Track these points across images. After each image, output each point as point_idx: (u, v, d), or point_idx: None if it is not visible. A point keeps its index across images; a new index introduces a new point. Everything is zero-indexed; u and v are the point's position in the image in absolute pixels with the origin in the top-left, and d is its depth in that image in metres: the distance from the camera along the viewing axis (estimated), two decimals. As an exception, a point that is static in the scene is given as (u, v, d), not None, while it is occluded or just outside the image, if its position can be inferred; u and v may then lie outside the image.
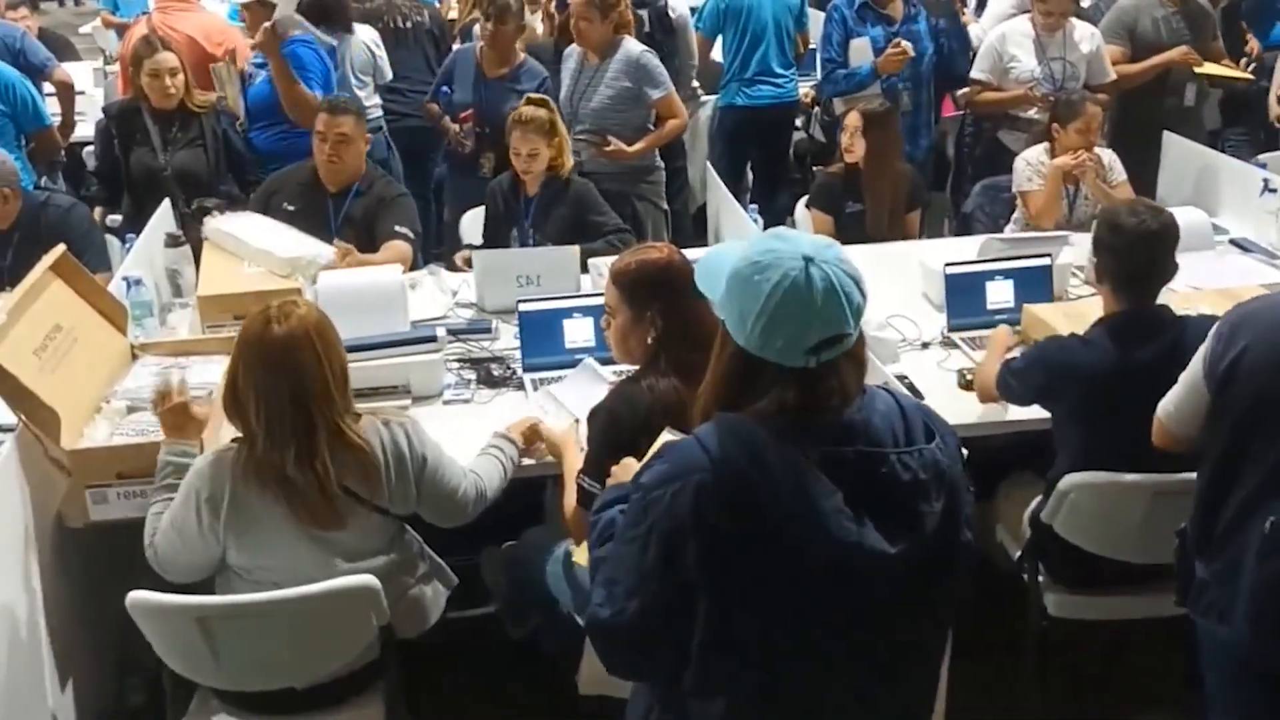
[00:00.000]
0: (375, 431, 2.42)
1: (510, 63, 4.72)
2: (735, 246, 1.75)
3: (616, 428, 2.41)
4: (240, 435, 2.38)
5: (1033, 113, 4.74)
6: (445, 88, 4.83)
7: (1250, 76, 5.28)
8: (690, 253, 2.57)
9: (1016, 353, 3.02)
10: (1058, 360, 2.77)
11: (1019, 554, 2.93)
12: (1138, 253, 2.70)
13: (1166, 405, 2.46)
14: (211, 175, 4.31)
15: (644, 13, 5.15)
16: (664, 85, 4.62)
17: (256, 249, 3.58)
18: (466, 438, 2.95)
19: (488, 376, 3.26)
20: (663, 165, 4.79)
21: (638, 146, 4.61)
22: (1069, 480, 2.69)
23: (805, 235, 1.72)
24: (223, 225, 3.71)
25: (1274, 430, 2.20)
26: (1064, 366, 2.74)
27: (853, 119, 4.24)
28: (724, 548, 1.61)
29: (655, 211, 4.78)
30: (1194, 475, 2.42)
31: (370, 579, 2.35)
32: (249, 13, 4.98)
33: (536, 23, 6.18)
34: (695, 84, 5.49)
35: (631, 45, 4.63)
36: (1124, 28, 4.98)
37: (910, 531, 1.63)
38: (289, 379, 2.30)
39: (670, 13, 5.16)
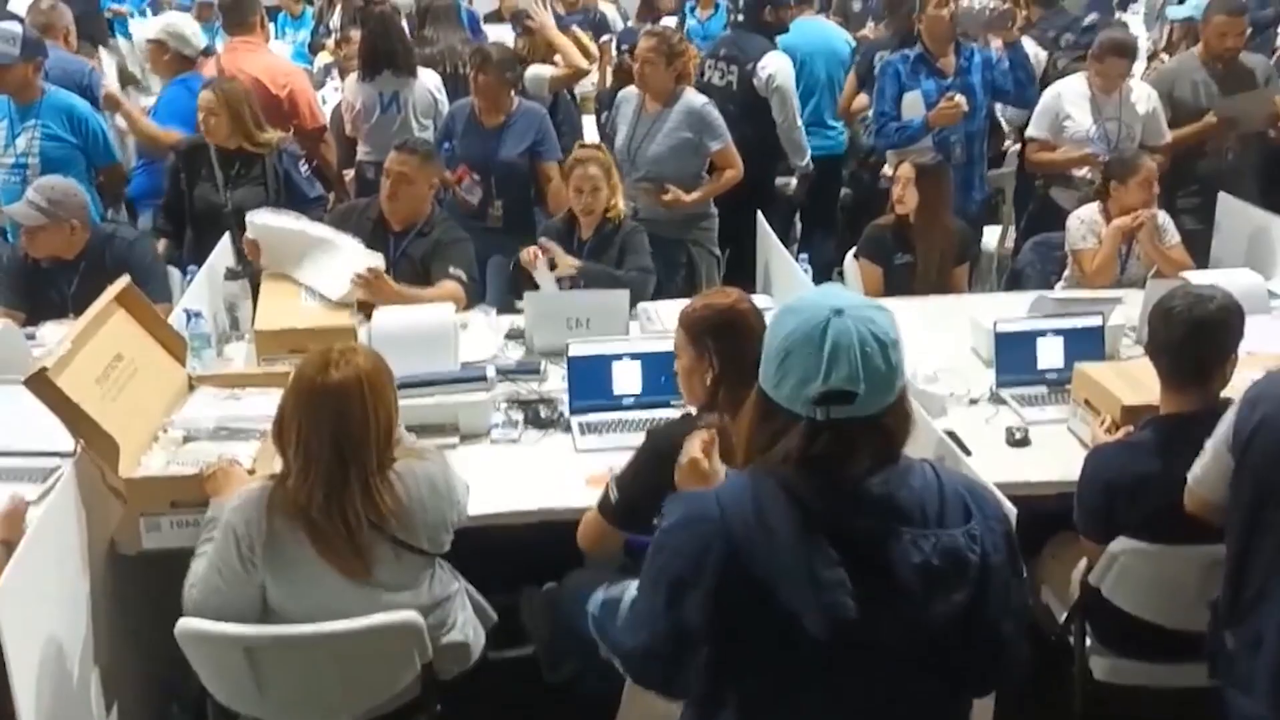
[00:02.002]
0: (410, 472, 2.44)
1: (505, 110, 4.78)
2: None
3: (658, 458, 2.45)
4: (278, 471, 2.42)
5: (1085, 172, 4.73)
6: (446, 143, 4.85)
7: None
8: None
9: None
10: (1104, 477, 2.64)
11: (1065, 615, 2.89)
12: (1193, 345, 2.56)
13: (1195, 471, 2.43)
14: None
15: (733, 76, 5.20)
16: (723, 137, 4.67)
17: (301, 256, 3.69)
18: (513, 477, 2.98)
19: (535, 417, 3.28)
20: (716, 212, 4.83)
21: (696, 195, 4.66)
22: (1119, 544, 2.65)
23: (852, 293, 1.72)
24: (265, 222, 3.79)
25: None
26: (1112, 482, 2.62)
27: (905, 170, 4.25)
28: (723, 602, 1.60)
29: (709, 257, 4.82)
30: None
31: (414, 615, 2.37)
32: (151, 49, 5.15)
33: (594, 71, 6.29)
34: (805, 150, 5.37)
35: (694, 96, 4.69)
36: (1163, 93, 4.95)
37: (915, 619, 1.58)
38: (332, 425, 2.33)
39: (756, 79, 5.13)
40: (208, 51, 5.43)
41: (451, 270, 3.95)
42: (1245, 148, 5.11)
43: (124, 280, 3.08)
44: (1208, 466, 2.40)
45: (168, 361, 3.13)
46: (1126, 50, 4.76)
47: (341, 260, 3.73)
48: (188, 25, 5.26)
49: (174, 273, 4.19)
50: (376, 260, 3.75)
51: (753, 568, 1.58)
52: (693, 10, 8.35)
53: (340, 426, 2.34)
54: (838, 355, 1.56)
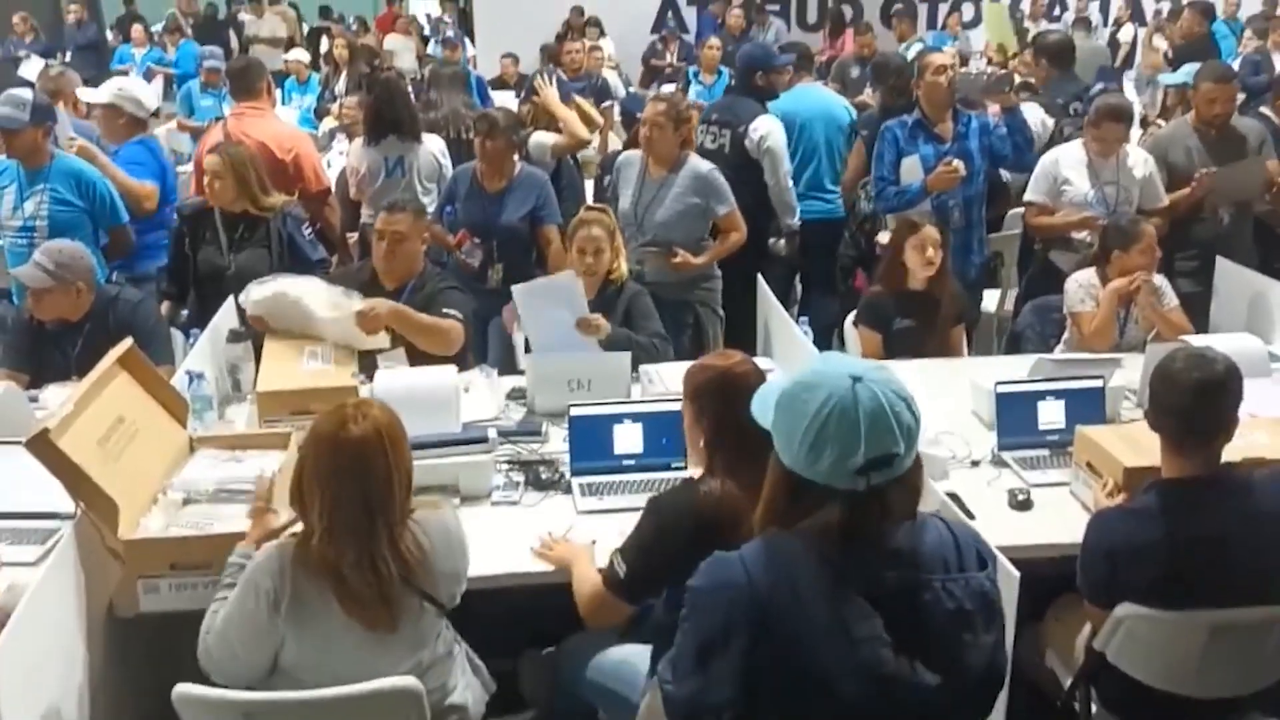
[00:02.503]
0: (428, 521, 2.46)
1: (508, 175, 4.84)
2: (786, 377, 1.78)
3: (661, 527, 2.49)
4: (300, 529, 2.41)
5: (1084, 235, 4.77)
6: (449, 207, 4.92)
7: None
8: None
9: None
10: (1106, 543, 2.60)
11: (1071, 680, 2.86)
12: (1195, 408, 2.53)
13: None
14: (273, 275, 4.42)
15: (725, 139, 5.28)
16: (729, 201, 4.74)
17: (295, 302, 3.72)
18: (512, 539, 2.97)
19: (536, 479, 3.28)
20: (719, 274, 4.87)
21: (704, 259, 4.72)
22: (1124, 609, 2.62)
23: (853, 358, 1.76)
24: (261, 292, 3.82)
25: None
26: (1116, 549, 2.58)
27: (931, 234, 4.26)
28: (754, 667, 1.61)
29: (714, 317, 4.86)
30: (1254, 610, 2.36)
31: (413, 681, 2.34)
32: (105, 113, 5.21)
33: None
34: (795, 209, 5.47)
35: (699, 162, 4.76)
36: (1158, 157, 5.00)
37: (953, 663, 1.62)
38: (357, 481, 2.33)
39: (747, 141, 5.24)
40: (217, 117, 5.52)
41: (446, 311, 3.97)
42: (1241, 213, 5.16)
43: (127, 342, 3.10)
44: None
45: (169, 423, 3.13)
46: (1122, 115, 4.82)
47: (344, 309, 3.77)
48: (139, 88, 5.40)
49: (176, 335, 4.21)
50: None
51: (782, 630, 1.61)
52: (696, 76, 8.51)
53: (366, 481, 2.34)
54: (875, 422, 1.60)
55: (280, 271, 4.11)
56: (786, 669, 1.61)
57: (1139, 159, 4.88)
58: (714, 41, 9.12)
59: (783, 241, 5.51)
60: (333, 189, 5.45)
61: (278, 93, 8.87)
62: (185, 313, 4.55)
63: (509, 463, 3.36)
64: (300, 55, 10.68)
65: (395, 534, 2.37)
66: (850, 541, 1.63)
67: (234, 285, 4.18)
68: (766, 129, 5.23)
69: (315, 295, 3.79)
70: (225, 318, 4.04)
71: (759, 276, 4.57)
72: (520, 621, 3.05)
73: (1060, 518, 3.07)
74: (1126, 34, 11.24)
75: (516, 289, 3.98)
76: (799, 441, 1.63)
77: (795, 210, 5.38)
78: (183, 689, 2.31)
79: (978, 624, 1.64)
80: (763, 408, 1.78)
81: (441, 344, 3.85)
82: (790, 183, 5.34)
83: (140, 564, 2.67)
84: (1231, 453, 2.65)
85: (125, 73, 11.39)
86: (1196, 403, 2.55)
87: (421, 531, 2.43)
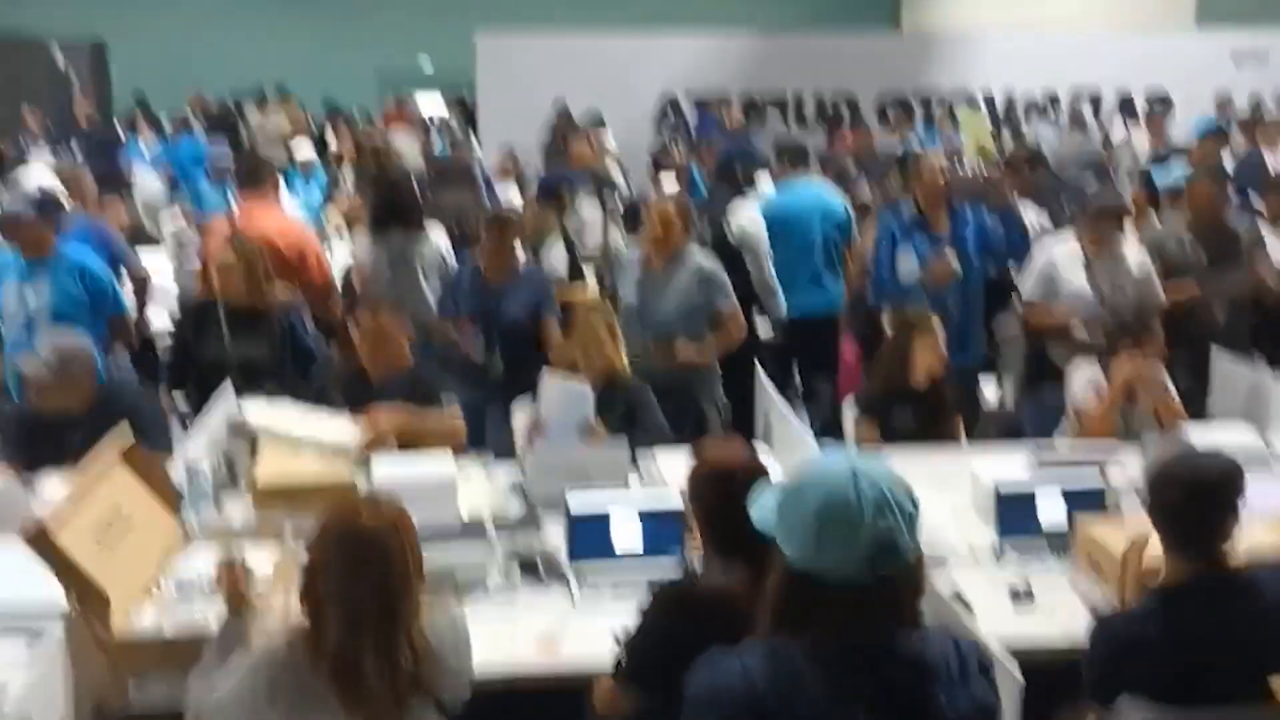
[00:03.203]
0: (435, 620, 2.41)
1: (513, 270, 4.92)
2: (785, 478, 1.78)
3: (658, 616, 2.48)
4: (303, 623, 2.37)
5: (1080, 330, 4.81)
6: (451, 302, 4.98)
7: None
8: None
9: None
10: (1109, 649, 2.56)
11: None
12: (1193, 508, 2.50)
13: None
14: (275, 368, 4.45)
15: (705, 230, 5.40)
16: (730, 296, 4.81)
17: (305, 436, 3.69)
18: (509, 633, 2.93)
19: (534, 571, 3.25)
20: (718, 366, 4.89)
21: (707, 354, 4.76)
22: (1129, 705, 2.59)
23: (850, 452, 1.76)
24: (259, 419, 3.81)
25: None
26: (1118, 650, 2.54)
27: (938, 331, 4.27)
28: None
29: (714, 409, 4.88)
30: (1258, 707, 2.32)
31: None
32: None
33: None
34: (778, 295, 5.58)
35: (700, 256, 4.83)
36: (1154, 251, 5.08)
37: None
38: (378, 574, 2.29)
39: (728, 233, 5.33)
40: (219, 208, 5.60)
41: (447, 408, 3.97)
42: (1236, 307, 5.21)
43: (126, 435, 3.10)
44: None
45: (164, 516, 3.13)
46: (1117, 214, 4.88)
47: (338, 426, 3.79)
48: None
49: (176, 425, 4.22)
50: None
51: None
52: (700, 175, 8.58)
53: (385, 575, 2.29)
54: (877, 509, 1.62)
55: (280, 363, 4.13)
56: None
57: (1135, 256, 4.93)
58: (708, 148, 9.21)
59: (770, 333, 5.57)
60: (336, 282, 5.50)
61: (283, 183, 9.01)
62: (184, 404, 4.56)
63: (506, 556, 3.33)
64: (306, 149, 10.85)
65: (411, 630, 2.32)
66: (855, 644, 1.61)
67: (236, 377, 4.20)
68: (745, 218, 5.38)
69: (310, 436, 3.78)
70: (224, 408, 4.04)
71: (757, 365, 4.59)
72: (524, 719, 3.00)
73: (1062, 613, 3.03)
74: (1119, 133, 11.44)
75: (545, 378, 4.01)
76: (803, 535, 1.64)
77: (779, 296, 5.46)
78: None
79: None
80: (763, 514, 1.78)
81: (445, 443, 3.86)
82: (771, 270, 5.44)
83: (131, 661, 2.64)
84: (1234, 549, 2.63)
85: (129, 167, 11.57)
86: (1194, 503, 2.52)
87: (433, 631, 2.38)
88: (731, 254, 5.32)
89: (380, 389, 4.06)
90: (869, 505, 1.62)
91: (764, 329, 5.61)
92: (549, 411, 3.98)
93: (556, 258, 5.72)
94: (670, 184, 7.11)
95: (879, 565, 1.61)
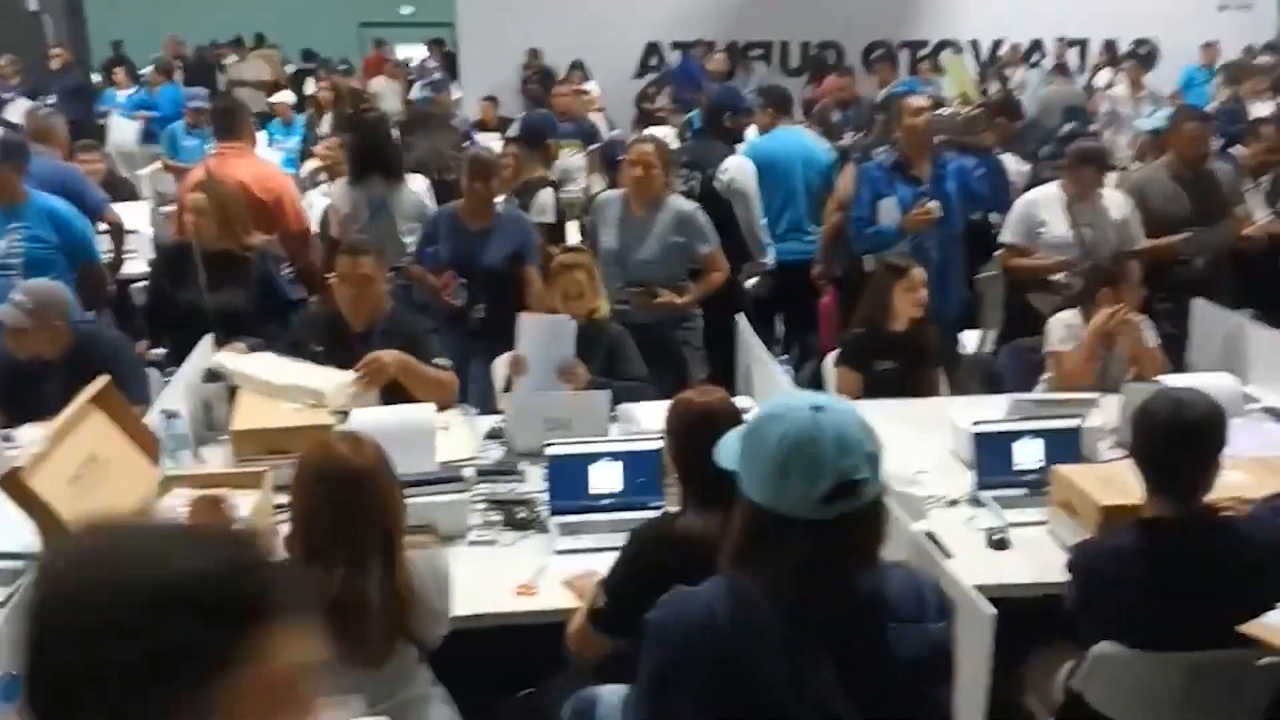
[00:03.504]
0: (416, 559, 2.44)
1: (491, 216, 4.88)
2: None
3: (637, 558, 2.52)
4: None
5: (1061, 276, 4.80)
6: (429, 248, 4.93)
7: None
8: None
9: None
10: (1087, 574, 2.61)
11: (1050, 723, 2.85)
12: (1173, 450, 2.54)
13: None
14: (252, 316, 4.41)
15: (695, 181, 5.33)
16: (713, 240, 4.78)
17: (282, 384, 3.65)
18: (490, 579, 2.94)
19: (513, 519, 3.25)
20: (700, 313, 4.88)
21: (689, 298, 4.74)
22: (1100, 649, 2.61)
23: (811, 392, 1.76)
24: (236, 365, 3.78)
25: None
26: (1096, 581, 2.59)
27: (919, 275, 4.28)
28: (710, 703, 1.60)
29: (695, 356, 4.88)
30: (1231, 652, 2.34)
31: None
32: None
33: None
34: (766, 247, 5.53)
35: (681, 201, 4.80)
36: (1135, 200, 5.04)
37: (907, 714, 1.63)
38: (375, 506, 2.32)
39: (717, 182, 5.27)
40: (199, 157, 5.53)
41: (438, 362, 3.95)
42: (1215, 256, 5.21)
43: (102, 380, 3.08)
44: None
45: (142, 462, 3.11)
46: (1098, 159, 4.87)
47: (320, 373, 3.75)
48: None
49: (153, 373, 4.19)
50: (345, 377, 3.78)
51: (739, 673, 1.60)
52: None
53: (382, 511, 2.33)
54: (839, 447, 1.61)
55: (258, 311, 4.09)
56: (739, 712, 1.60)
57: (1116, 201, 4.93)
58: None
59: (756, 280, 5.54)
60: (314, 229, 5.45)
61: (262, 134, 8.93)
62: (162, 351, 4.53)
63: (486, 502, 3.34)
64: (285, 97, 10.74)
65: (397, 567, 2.35)
66: (814, 582, 1.62)
67: (212, 324, 4.17)
68: (736, 169, 5.31)
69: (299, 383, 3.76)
70: (202, 356, 4.02)
71: (739, 317, 4.58)
72: (498, 664, 3.01)
73: (1038, 557, 3.06)
74: (1102, 79, 11.39)
75: (523, 317, 3.99)
76: (764, 472, 1.63)
77: (767, 248, 5.41)
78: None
79: (935, 675, 1.64)
80: (726, 451, 1.78)
81: (441, 396, 3.83)
82: (763, 221, 5.39)
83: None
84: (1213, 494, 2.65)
85: (106, 114, 11.47)
86: (1176, 446, 2.55)
87: (414, 569, 2.40)
88: (721, 204, 5.27)
89: (362, 337, 4.03)
90: (830, 443, 1.61)
91: (750, 280, 5.58)
92: (528, 348, 3.96)
93: (545, 202, 5.67)
94: (659, 131, 7.09)
95: (839, 504, 1.60)
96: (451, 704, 2.65)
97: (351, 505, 2.30)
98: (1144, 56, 10.86)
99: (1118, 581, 2.56)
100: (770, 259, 5.48)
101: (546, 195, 5.63)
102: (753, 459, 1.65)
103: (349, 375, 3.75)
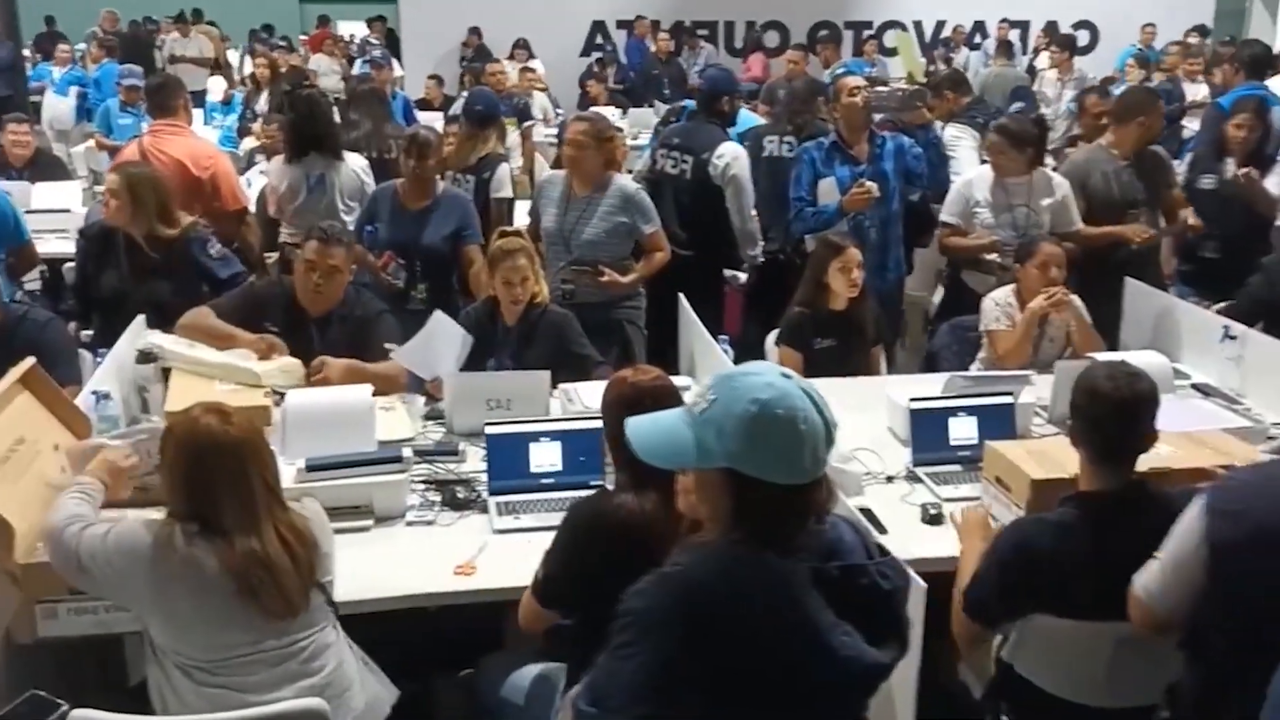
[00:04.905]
0: (303, 506, 2.54)
1: (431, 194, 4.84)
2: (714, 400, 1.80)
3: (575, 532, 2.53)
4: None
5: (994, 257, 4.86)
6: (369, 226, 4.86)
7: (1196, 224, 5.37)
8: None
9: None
10: (1026, 551, 2.59)
11: (982, 693, 2.89)
12: (1117, 422, 2.56)
13: (1150, 587, 2.41)
14: (180, 303, 4.30)
15: (687, 165, 5.29)
16: (656, 220, 4.76)
17: (217, 363, 3.61)
18: (428, 560, 2.93)
19: (452, 499, 3.24)
20: (644, 292, 4.89)
21: (632, 278, 4.74)
22: (1031, 620, 2.67)
23: (770, 366, 1.82)
24: (170, 346, 3.72)
25: None
26: (1035, 557, 2.57)
27: (855, 256, 4.32)
28: (718, 674, 1.68)
29: (639, 335, 4.88)
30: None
31: (319, 702, 2.31)
32: None
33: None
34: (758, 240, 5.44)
35: (625, 182, 4.78)
36: (1076, 183, 5.05)
37: (898, 638, 1.78)
38: (260, 463, 2.41)
39: (710, 168, 5.22)
40: (134, 136, 5.43)
41: (388, 347, 3.90)
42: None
43: (29, 362, 3.02)
44: (1168, 583, 2.36)
45: (72, 444, 3.05)
46: (1016, 140, 4.86)
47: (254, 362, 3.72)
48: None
49: (85, 355, 4.11)
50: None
51: (747, 637, 1.69)
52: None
53: (265, 467, 2.43)
54: (820, 408, 1.74)
55: (184, 299, 4.02)
56: (750, 674, 1.68)
57: (1051, 182, 4.96)
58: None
59: (743, 276, 5.50)
60: (252, 208, 5.37)
61: (200, 112, 8.79)
62: (89, 332, 4.43)
63: (425, 483, 3.33)
64: (226, 78, 10.58)
65: (289, 517, 2.44)
66: (790, 541, 1.72)
67: (139, 310, 4.08)
68: (732, 155, 5.23)
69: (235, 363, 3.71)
70: (134, 337, 3.95)
71: (681, 297, 4.58)
72: (437, 644, 3.01)
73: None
74: (1044, 60, 11.52)
75: (396, 353, 3.86)
76: (740, 441, 1.71)
77: (758, 242, 5.36)
78: (80, 715, 2.24)
79: (908, 600, 1.82)
80: (637, 436, 1.86)
81: (390, 390, 3.80)
82: (754, 212, 5.31)
83: (37, 588, 2.59)
84: (1138, 465, 2.71)
85: (41, 90, 11.20)
86: (1122, 419, 2.58)
87: (301, 517, 2.48)
88: (712, 189, 5.21)
89: (318, 322, 3.97)
90: (809, 407, 1.73)
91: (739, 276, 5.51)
92: (429, 357, 3.87)
93: (503, 178, 5.59)
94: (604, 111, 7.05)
95: (814, 466, 1.72)
96: (372, 667, 2.65)
97: (245, 464, 2.39)
98: (1068, 40, 10.95)
99: (1056, 555, 2.58)
100: (760, 253, 5.39)
101: (504, 171, 5.57)
102: (720, 432, 1.72)
103: (289, 361, 3.71)
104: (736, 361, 4.01)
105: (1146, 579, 2.42)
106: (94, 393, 3.42)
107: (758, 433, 1.71)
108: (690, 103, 8.51)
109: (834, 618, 1.70)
